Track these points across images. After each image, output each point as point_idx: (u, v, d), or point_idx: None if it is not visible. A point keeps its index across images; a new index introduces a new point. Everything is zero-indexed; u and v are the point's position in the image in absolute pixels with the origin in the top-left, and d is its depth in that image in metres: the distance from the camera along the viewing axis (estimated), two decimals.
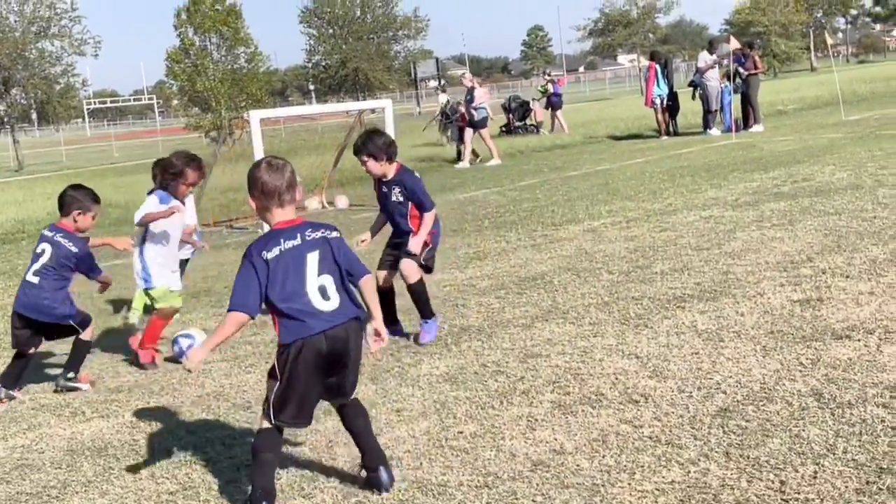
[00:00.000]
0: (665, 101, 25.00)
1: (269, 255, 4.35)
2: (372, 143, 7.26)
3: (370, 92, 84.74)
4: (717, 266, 8.77)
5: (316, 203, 17.70)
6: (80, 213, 7.10)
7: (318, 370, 4.40)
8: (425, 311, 7.51)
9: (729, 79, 24.01)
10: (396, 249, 7.59)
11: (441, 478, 4.79)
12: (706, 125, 24.40)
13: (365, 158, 7.29)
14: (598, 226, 11.81)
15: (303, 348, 4.33)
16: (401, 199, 7.38)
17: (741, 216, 11.16)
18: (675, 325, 7.05)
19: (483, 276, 9.71)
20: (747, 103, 23.92)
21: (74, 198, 7.13)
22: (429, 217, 7.40)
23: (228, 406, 6.40)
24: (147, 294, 7.86)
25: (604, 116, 36.43)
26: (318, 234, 4.48)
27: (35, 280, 7.01)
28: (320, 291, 4.39)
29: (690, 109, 26.61)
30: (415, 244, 7.37)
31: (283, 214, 4.49)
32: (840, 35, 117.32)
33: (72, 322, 7.14)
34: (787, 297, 7.42)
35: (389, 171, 7.37)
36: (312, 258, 4.40)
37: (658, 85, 24.83)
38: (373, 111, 20.93)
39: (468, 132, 23.49)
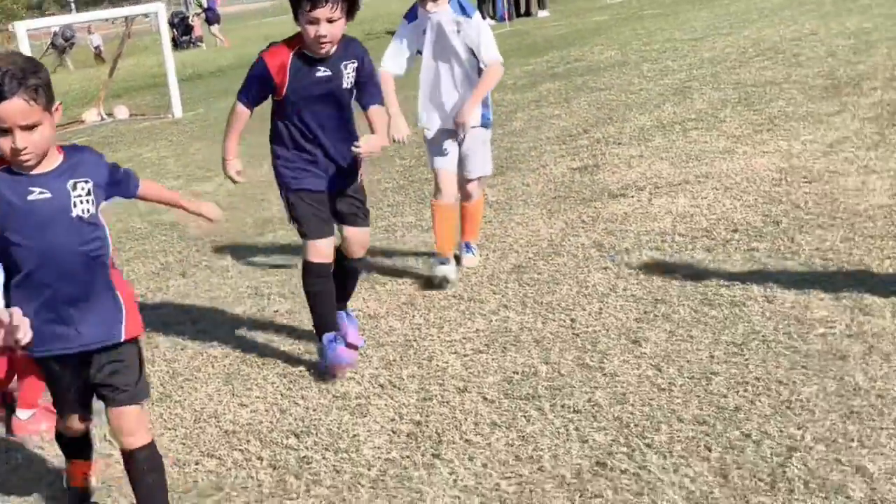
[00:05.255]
0: None
1: None
2: None
3: None
4: (501, 144, 9.26)
5: (95, 115, 17.12)
6: None
7: None
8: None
9: None
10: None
11: (263, 351, 5.07)
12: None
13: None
14: None
15: None
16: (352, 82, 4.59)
17: (521, 98, 11.71)
18: None
19: None
20: None
21: None
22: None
23: None
24: None
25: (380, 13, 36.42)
26: None
27: None
28: None
29: None
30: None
31: None
32: None
33: None
34: (567, 166, 8.01)
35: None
36: None
37: None
38: (145, 16, 20.25)
39: None
